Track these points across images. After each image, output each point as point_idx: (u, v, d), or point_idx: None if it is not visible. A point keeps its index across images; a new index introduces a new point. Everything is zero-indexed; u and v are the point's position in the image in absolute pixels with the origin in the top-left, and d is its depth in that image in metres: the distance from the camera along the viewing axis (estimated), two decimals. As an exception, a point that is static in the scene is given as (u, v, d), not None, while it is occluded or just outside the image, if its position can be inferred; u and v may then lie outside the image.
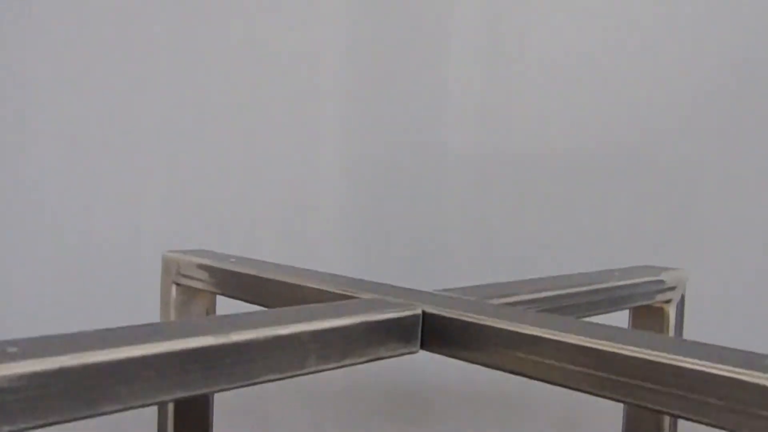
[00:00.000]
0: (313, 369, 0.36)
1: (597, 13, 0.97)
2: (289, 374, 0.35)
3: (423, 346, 0.41)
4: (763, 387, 0.29)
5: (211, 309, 0.63)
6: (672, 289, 0.60)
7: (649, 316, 0.61)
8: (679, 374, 0.31)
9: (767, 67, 0.92)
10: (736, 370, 0.30)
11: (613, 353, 0.34)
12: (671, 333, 0.61)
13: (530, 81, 0.99)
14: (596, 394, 0.36)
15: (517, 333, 0.39)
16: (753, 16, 0.91)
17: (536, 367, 0.40)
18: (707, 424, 0.31)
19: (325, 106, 1.03)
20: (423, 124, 1.01)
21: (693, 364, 0.31)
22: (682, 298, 0.62)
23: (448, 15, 1.01)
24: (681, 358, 0.32)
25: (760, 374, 0.29)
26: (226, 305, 0.65)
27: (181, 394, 0.31)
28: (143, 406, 0.30)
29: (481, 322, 0.39)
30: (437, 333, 0.41)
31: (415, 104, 1.02)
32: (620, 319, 0.64)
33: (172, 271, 0.61)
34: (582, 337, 0.36)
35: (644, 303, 0.58)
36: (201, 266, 0.58)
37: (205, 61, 1.02)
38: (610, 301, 0.55)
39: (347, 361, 0.38)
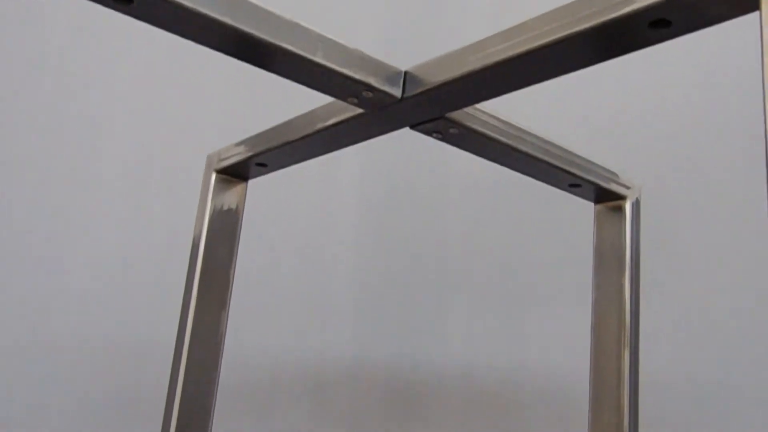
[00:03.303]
0: (318, 58, 0.50)
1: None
2: (299, 51, 0.49)
3: (404, 93, 0.54)
4: None
5: (242, 197, 0.75)
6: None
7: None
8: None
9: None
10: None
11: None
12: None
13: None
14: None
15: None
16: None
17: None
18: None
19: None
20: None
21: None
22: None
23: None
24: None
25: None
26: (255, 196, 0.78)
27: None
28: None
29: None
30: (417, 84, 0.53)
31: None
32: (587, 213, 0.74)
33: (213, 161, 0.75)
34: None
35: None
36: (239, 143, 0.72)
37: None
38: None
39: (345, 69, 0.51)
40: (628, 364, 0.70)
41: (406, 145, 1.13)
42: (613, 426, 0.70)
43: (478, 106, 0.59)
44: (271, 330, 0.99)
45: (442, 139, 0.61)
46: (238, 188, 0.76)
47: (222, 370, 0.72)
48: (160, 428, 0.74)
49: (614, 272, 0.71)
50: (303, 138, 0.64)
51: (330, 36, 0.51)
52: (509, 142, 0.61)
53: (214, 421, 0.71)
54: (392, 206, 1.05)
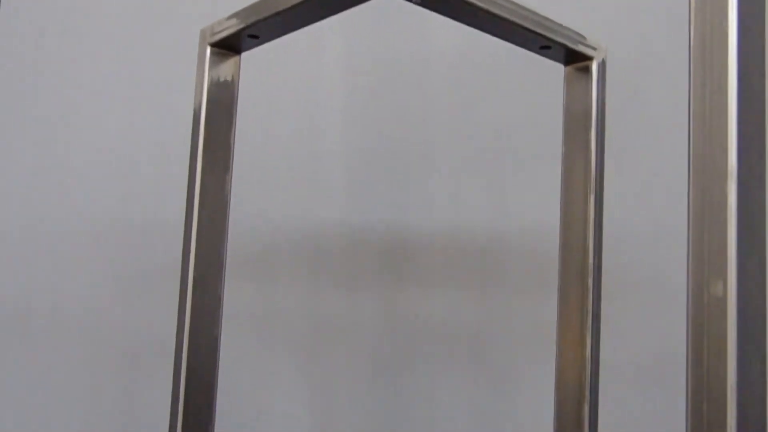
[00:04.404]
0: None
1: None
2: None
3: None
4: None
5: (236, 69, 0.81)
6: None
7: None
8: None
9: None
10: None
11: None
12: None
13: None
14: None
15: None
16: None
17: None
18: None
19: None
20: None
21: None
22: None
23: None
24: None
25: None
26: (249, 67, 0.83)
27: None
28: None
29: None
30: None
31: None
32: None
33: (207, 35, 0.79)
34: None
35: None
36: (231, 16, 0.76)
37: None
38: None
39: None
40: (593, 211, 0.78)
41: (388, 20, 1.17)
42: (578, 269, 0.79)
43: (454, -29, 0.64)
44: (268, 200, 1.06)
45: (421, 4, 0.66)
46: (232, 61, 0.81)
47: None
48: (177, 292, 0.82)
49: (581, 129, 0.78)
50: (292, 7, 0.68)
51: None
52: (483, 5, 0.66)
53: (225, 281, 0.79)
54: (378, 78, 1.11)
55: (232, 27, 0.76)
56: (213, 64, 0.79)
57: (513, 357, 1.04)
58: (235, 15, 0.76)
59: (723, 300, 0.36)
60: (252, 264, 1.05)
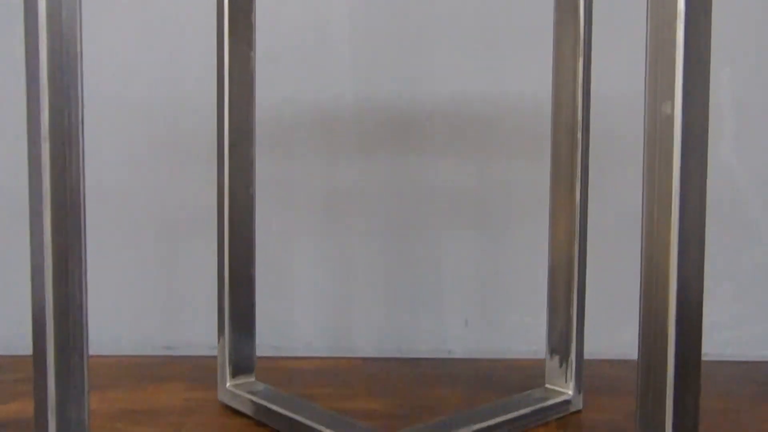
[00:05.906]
0: None
1: None
2: None
3: None
4: None
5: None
6: None
7: None
8: None
9: None
10: None
11: None
12: None
13: None
14: None
15: None
16: None
17: None
18: None
19: None
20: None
21: None
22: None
23: None
24: None
25: None
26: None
27: None
28: None
29: None
30: None
31: None
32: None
33: None
34: None
35: None
36: None
37: None
38: None
39: None
40: (582, 71, 0.86)
41: None
42: (569, 125, 0.88)
43: None
44: (283, 78, 1.14)
45: None
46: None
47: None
48: (210, 163, 0.91)
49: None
50: None
51: None
52: None
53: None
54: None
55: None
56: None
57: (512, 213, 1.15)
58: None
59: (671, 117, 0.45)
60: (271, 137, 1.14)
